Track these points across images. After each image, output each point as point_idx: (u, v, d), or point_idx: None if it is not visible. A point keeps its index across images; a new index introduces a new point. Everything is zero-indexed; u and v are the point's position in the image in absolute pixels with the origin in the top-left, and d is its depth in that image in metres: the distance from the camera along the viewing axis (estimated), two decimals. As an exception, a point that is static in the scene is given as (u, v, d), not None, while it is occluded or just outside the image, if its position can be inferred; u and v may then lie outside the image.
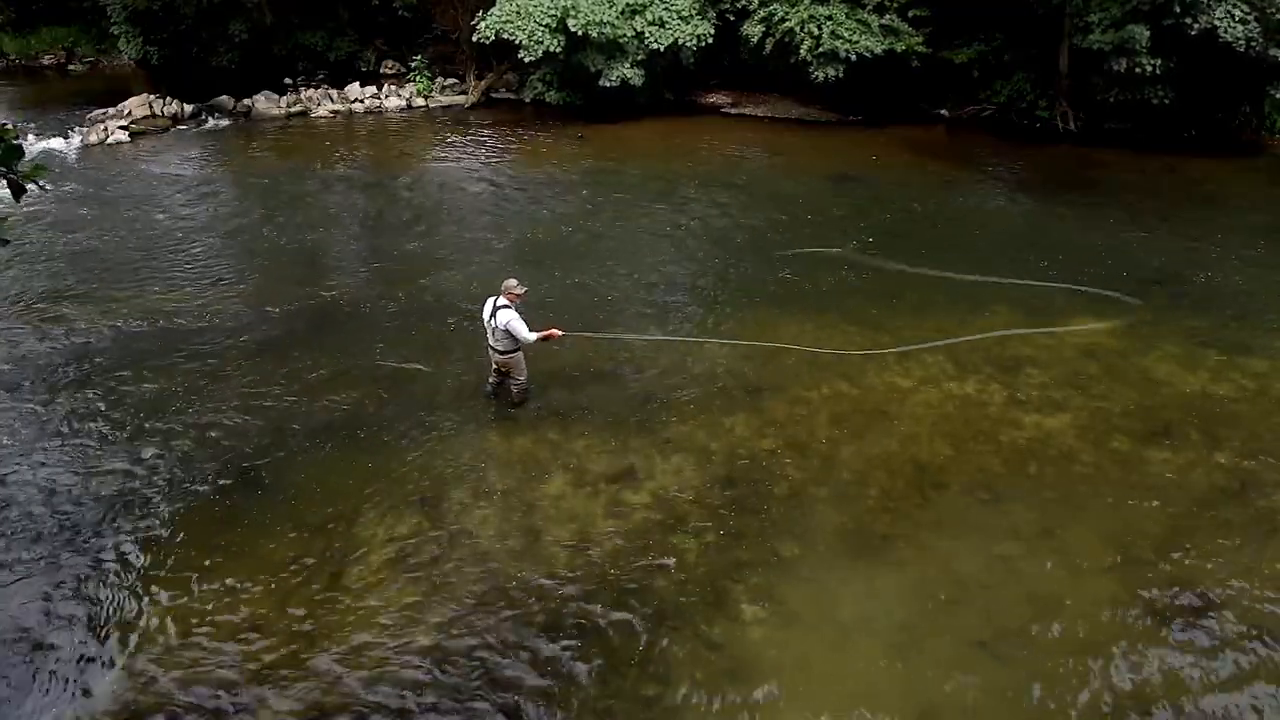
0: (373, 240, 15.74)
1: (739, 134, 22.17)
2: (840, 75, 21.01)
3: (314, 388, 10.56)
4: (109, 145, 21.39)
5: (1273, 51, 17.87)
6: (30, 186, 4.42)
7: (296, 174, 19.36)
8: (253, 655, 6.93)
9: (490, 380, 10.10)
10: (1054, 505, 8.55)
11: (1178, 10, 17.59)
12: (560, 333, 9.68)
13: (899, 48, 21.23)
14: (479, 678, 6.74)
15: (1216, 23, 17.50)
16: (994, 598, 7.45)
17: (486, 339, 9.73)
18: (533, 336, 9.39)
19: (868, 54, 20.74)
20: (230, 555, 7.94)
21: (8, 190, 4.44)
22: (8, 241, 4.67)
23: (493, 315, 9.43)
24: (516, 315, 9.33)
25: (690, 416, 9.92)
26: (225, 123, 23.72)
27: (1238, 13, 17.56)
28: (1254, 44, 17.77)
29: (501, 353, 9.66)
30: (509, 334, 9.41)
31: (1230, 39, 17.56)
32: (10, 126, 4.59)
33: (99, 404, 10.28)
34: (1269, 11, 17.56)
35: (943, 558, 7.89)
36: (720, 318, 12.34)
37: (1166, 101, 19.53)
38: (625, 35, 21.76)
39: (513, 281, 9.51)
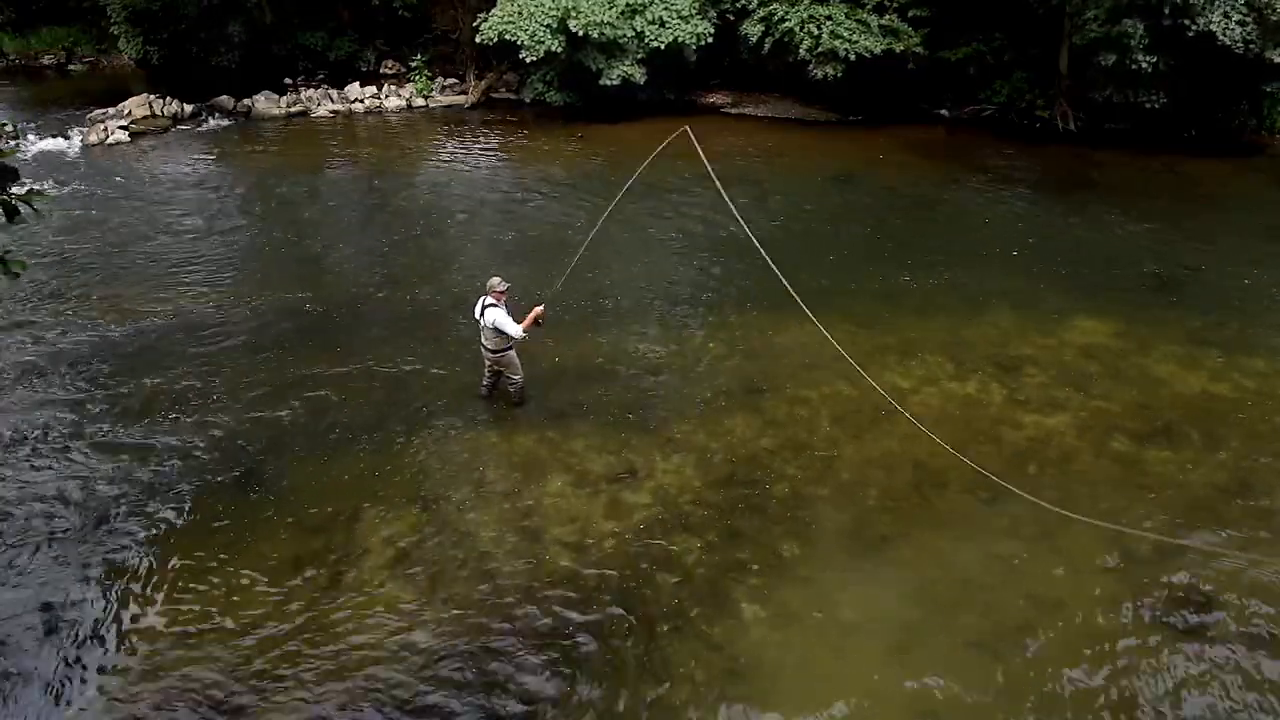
0: (373, 240, 15.74)
1: (739, 134, 22.14)
2: (839, 75, 21.02)
3: (313, 387, 10.56)
4: (109, 145, 21.39)
5: (1269, 53, 17.83)
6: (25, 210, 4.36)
7: (296, 174, 19.37)
8: (253, 655, 6.93)
9: (485, 381, 10.11)
10: (1054, 505, 8.53)
11: (1167, 11, 17.57)
12: (540, 309, 9.51)
13: (898, 48, 21.24)
14: (479, 678, 6.74)
15: (1213, 26, 17.46)
16: (994, 598, 7.45)
17: (480, 339, 9.75)
18: (519, 330, 9.37)
19: (867, 54, 20.75)
20: (230, 555, 7.94)
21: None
22: (17, 275, 4.62)
23: (482, 314, 9.46)
24: (504, 312, 9.36)
25: (690, 416, 9.92)
26: (225, 123, 23.72)
27: (1235, 14, 17.53)
28: (1252, 45, 17.74)
29: (494, 351, 9.67)
30: (499, 332, 9.44)
31: (1229, 41, 17.53)
32: (10, 128, 4.56)
33: (99, 404, 10.29)
34: (1266, 12, 17.53)
35: (943, 558, 7.89)
36: (722, 318, 12.33)
37: (1157, 106, 19.54)
38: (625, 35, 21.77)
39: (496, 280, 9.50)
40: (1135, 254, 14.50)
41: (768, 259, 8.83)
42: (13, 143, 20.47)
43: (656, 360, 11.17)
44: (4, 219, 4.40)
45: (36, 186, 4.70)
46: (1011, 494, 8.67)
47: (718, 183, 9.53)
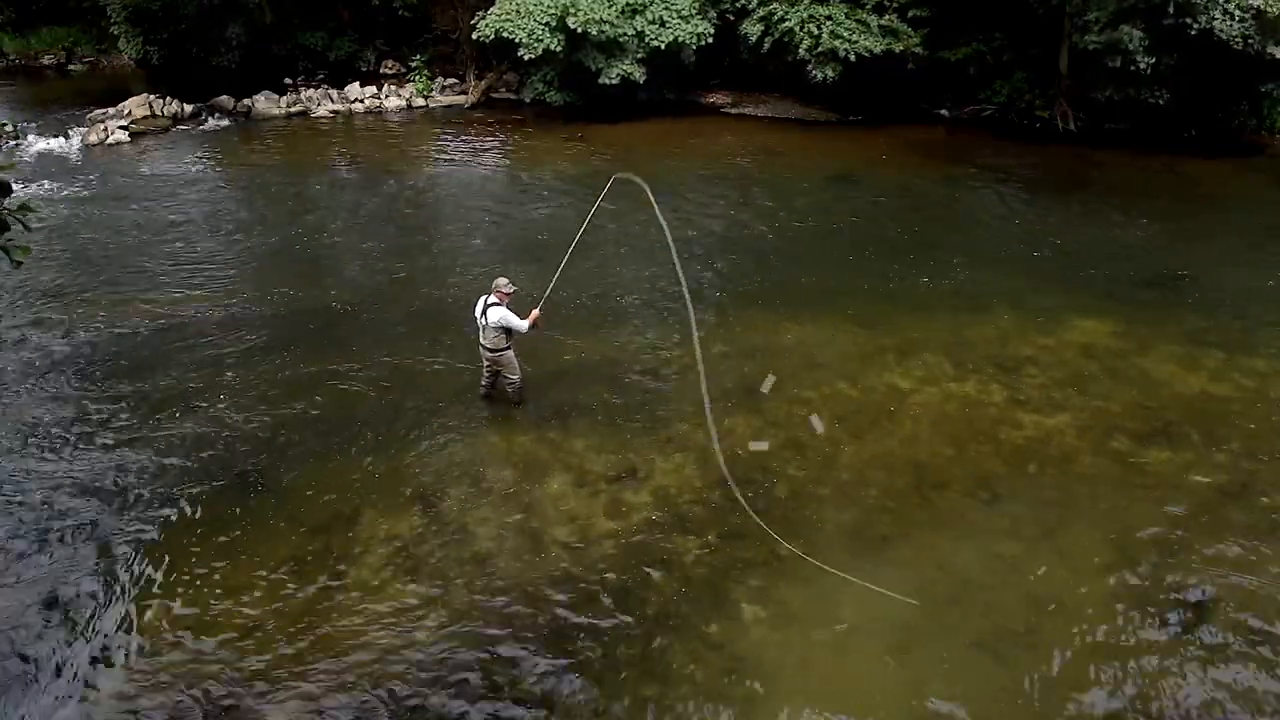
0: (372, 240, 15.73)
1: (739, 134, 22.16)
2: (838, 76, 21.05)
3: (314, 388, 10.56)
4: (109, 145, 21.39)
5: (1270, 49, 17.85)
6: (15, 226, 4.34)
7: (296, 174, 19.37)
8: (253, 655, 6.92)
9: (484, 381, 10.11)
10: (1054, 505, 8.54)
11: (1172, 10, 17.58)
12: (536, 312, 9.52)
13: (897, 48, 21.24)
14: (479, 678, 6.74)
15: (1214, 21, 17.48)
16: (994, 598, 7.45)
17: (478, 338, 9.75)
18: (525, 325, 9.41)
19: (866, 54, 20.75)
20: (230, 555, 7.94)
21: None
22: (20, 263, 4.62)
23: (484, 313, 9.47)
24: (508, 310, 9.37)
25: (690, 416, 9.91)
26: (225, 123, 23.72)
27: (1236, 11, 17.55)
28: (1251, 41, 17.76)
29: (492, 350, 9.68)
30: (500, 331, 9.44)
31: (1227, 37, 17.55)
32: (10, 129, 4.55)
33: (100, 404, 10.29)
34: (1264, 10, 17.54)
35: (943, 558, 7.89)
36: (722, 318, 12.33)
37: (1160, 102, 19.54)
38: (625, 34, 21.78)
39: (503, 280, 9.53)
40: (1135, 254, 14.51)
41: (677, 264, 8.94)
42: (12, 143, 20.42)
43: (657, 360, 11.17)
44: None
45: (28, 199, 4.64)
46: (1012, 495, 8.72)
47: (652, 200, 9.53)
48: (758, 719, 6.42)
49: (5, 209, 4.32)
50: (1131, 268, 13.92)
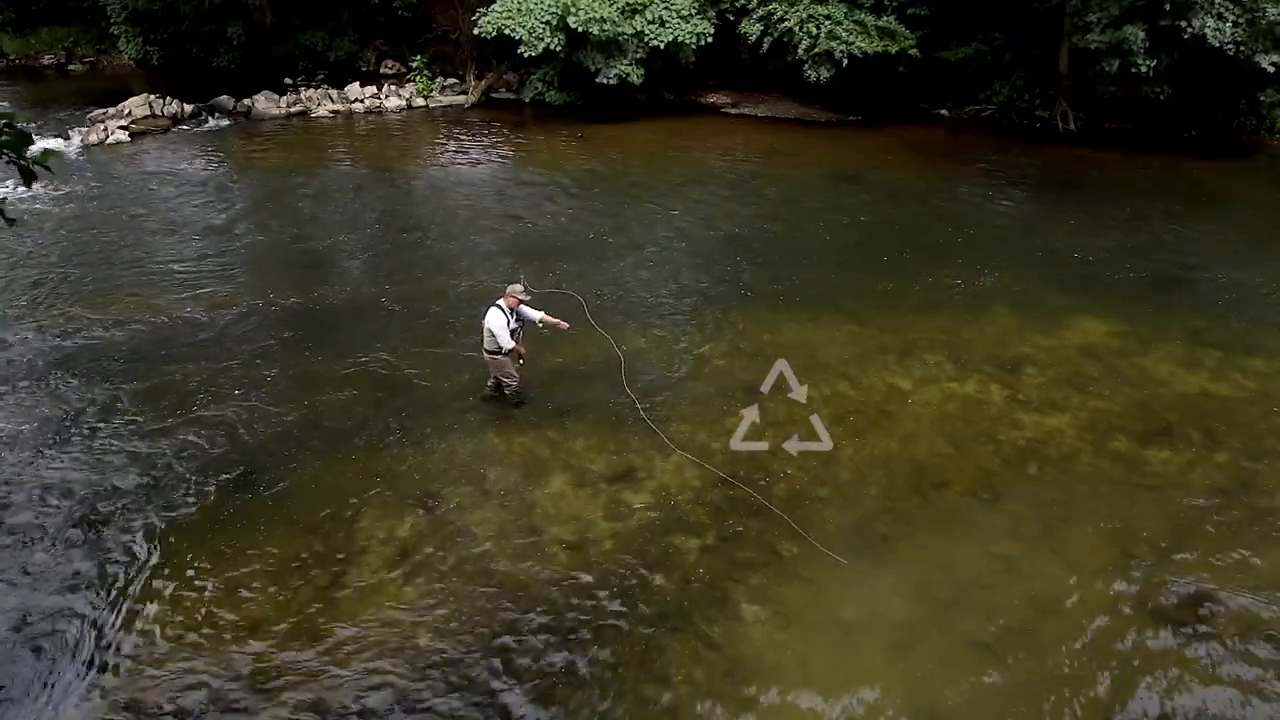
0: (372, 241, 15.74)
1: (738, 134, 22.17)
2: (832, 76, 21.08)
3: (314, 388, 10.56)
4: (109, 145, 21.39)
5: (1258, 58, 17.85)
6: (39, 170, 4.36)
7: (297, 174, 19.36)
8: (253, 655, 6.92)
9: (489, 382, 10.10)
10: (1054, 505, 8.55)
11: (1168, 9, 17.58)
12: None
13: (893, 49, 21.25)
14: (479, 678, 6.74)
15: (1207, 29, 17.45)
16: (994, 598, 7.45)
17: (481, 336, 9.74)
18: (508, 345, 9.44)
19: (860, 54, 20.77)
20: (230, 555, 7.94)
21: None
22: (13, 221, 4.62)
23: (485, 312, 9.46)
24: (503, 321, 9.33)
25: (690, 416, 9.92)
26: (225, 123, 23.73)
27: (1229, 16, 17.54)
28: (1242, 47, 17.77)
29: (489, 352, 9.66)
30: (494, 335, 9.44)
31: (1218, 43, 17.55)
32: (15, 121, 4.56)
33: (99, 404, 10.28)
34: (1256, 16, 17.53)
35: (943, 558, 7.89)
36: (722, 318, 12.32)
37: (1162, 97, 19.52)
38: (625, 33, 21.79)
39: (518, 286, 9.50)
40: (1135, 254, 14.51)
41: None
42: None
43: (657, 360, 11.17)
44: (23, 183, 4.42)
45: (50, 146, 4.65)
46: (1012, 495, 8.71)
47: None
48: (757, 719, 6.42)
49: (28, 159, 4.33)
50: (1131, 268, 13.92)
